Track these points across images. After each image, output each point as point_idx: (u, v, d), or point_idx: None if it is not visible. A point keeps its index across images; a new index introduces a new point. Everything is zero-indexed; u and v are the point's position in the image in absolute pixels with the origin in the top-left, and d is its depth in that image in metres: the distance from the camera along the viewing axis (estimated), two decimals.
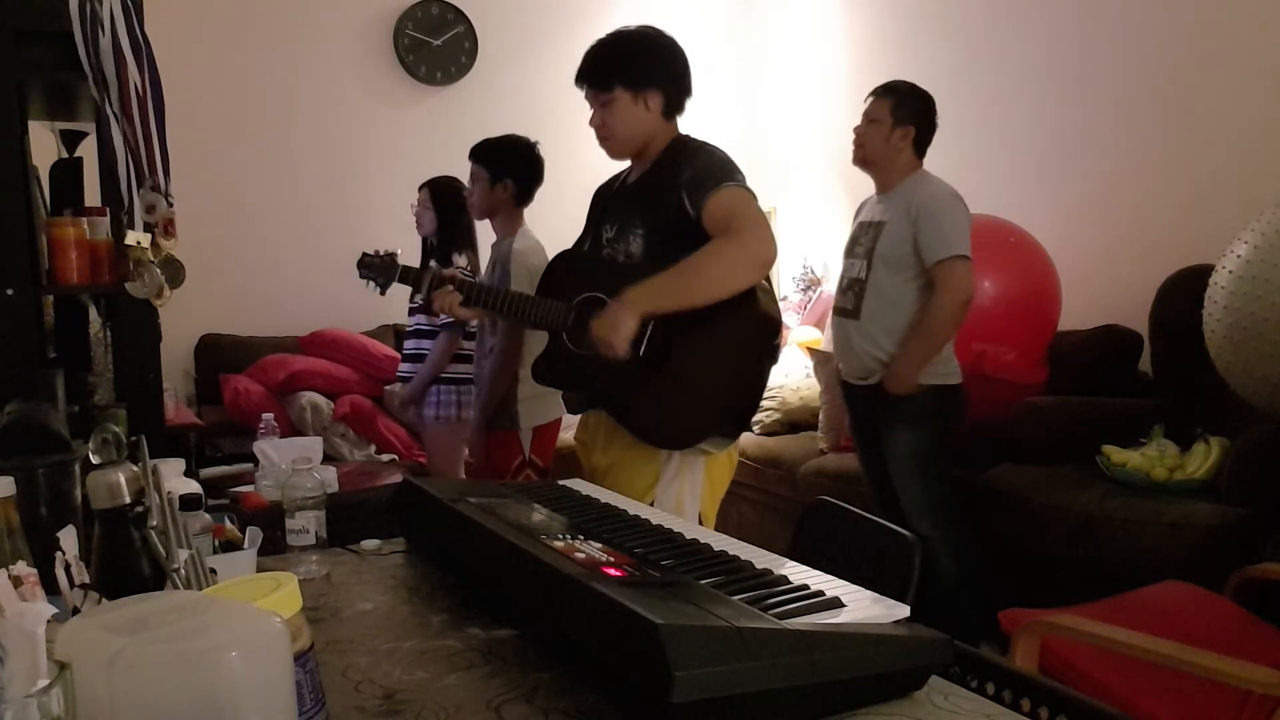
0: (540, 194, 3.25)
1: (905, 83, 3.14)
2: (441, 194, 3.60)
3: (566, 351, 2.22)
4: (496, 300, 2.36)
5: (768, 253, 2.04)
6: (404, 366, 3.77)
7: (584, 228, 2.40)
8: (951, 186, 3.04)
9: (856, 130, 3.13)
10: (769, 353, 2.16)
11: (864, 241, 3.11)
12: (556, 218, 3.28)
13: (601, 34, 2.23)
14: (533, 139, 3.22)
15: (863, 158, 3.13)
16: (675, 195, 2.08)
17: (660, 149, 2.21)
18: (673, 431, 2.13)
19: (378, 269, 2.62)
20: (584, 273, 2.27)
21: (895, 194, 3.07)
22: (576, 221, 2.42)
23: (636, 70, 2.16)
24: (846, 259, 3.21)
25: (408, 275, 2.60)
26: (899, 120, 3.05)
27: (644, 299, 2.03)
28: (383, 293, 2.65)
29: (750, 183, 2.14)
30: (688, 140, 2.23)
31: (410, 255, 3.27)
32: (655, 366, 2.11)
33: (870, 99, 3.13)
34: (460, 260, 3.53)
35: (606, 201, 2.34)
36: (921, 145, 3.09)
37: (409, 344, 3.74)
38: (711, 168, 2.09)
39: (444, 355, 3.54)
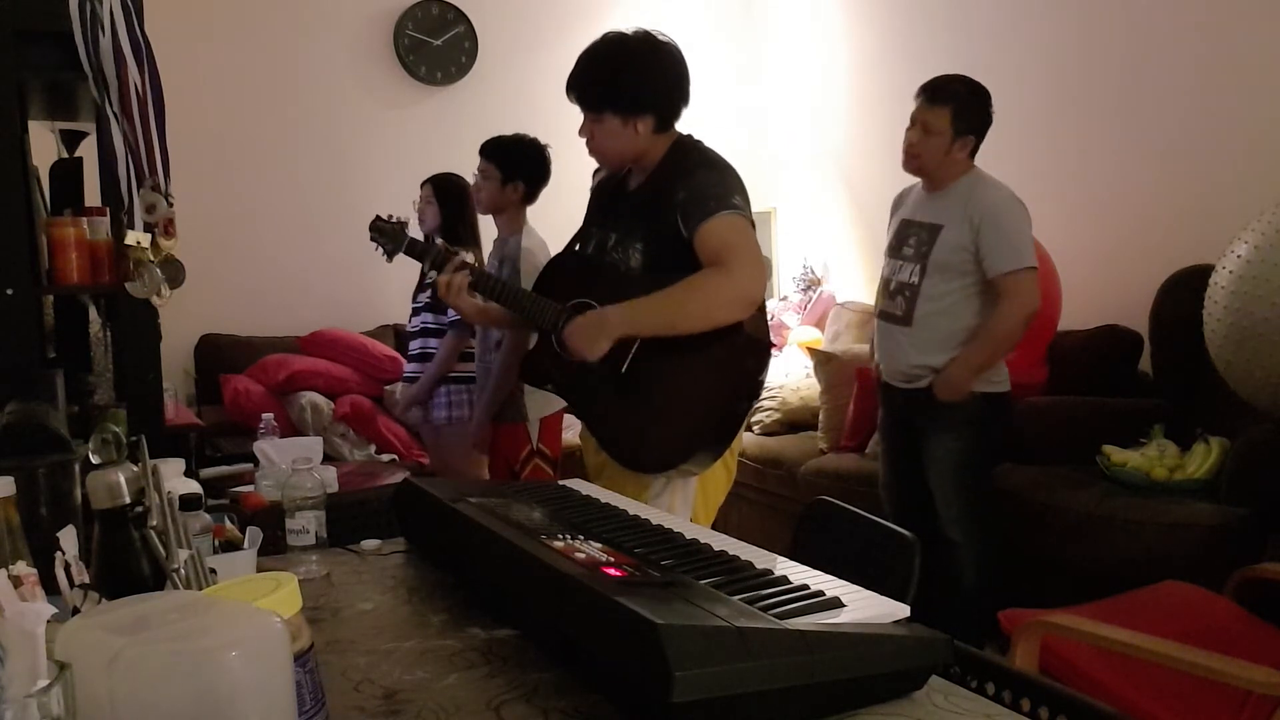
0: (543, 194, 3.25)
1: (961, 82, 2.91)
2: (445, 190, 3.56)
3: (554, 354, 2.19)
4: (500, 290, 2.33)
5: (756, 290, 2.01)
6: (410, 367, 3.69)
7: (582, 224, 2.36)
8: (1010, 189, 2.89)
9: (909, 138, 2.92)
10: (750, 390, 2.12)
11: (914, 243, 2.95)
12: (556, 216, 3.28)
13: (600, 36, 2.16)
14: (543, 141, 3.23)
15: (917, 168, 2.95)
16: (672, 214, 2.04)
17: (658, 157, 2.15)
18: (643, 456, 2.09)
19: (388, 235, 2.53)
20: (582, 277, 2.24)
21: (950, 194, 2.90)
22: (576, 221, 2.41)
23: (629, 96, 2.08)
24: (891, 259, 3.03)
25: (414, 247, 2.52)
26: (959, 132, 2.85)
27: (625, 321, 2.02)
28: (389, 259, 2.56)
29: (750, 183, 2.11)
30: (689, 149, 2.16)
31: None
32: (633, 388, 2.07)
33: (921, 101, 2.90)
34: (467, 257, 3.48)
35: (606, 201, 2.30)
36: (977, 149, 2.92)
37: (414, 344, 3.66)
38: (707, 191, 2.02)
39: (451, 354, 3.48)
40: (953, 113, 2.85)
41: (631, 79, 2.09)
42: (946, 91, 2.89)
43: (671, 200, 2.05)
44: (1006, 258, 2.79)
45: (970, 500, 2.94)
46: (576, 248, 2.34)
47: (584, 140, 2.19)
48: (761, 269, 2.03)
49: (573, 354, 2.07)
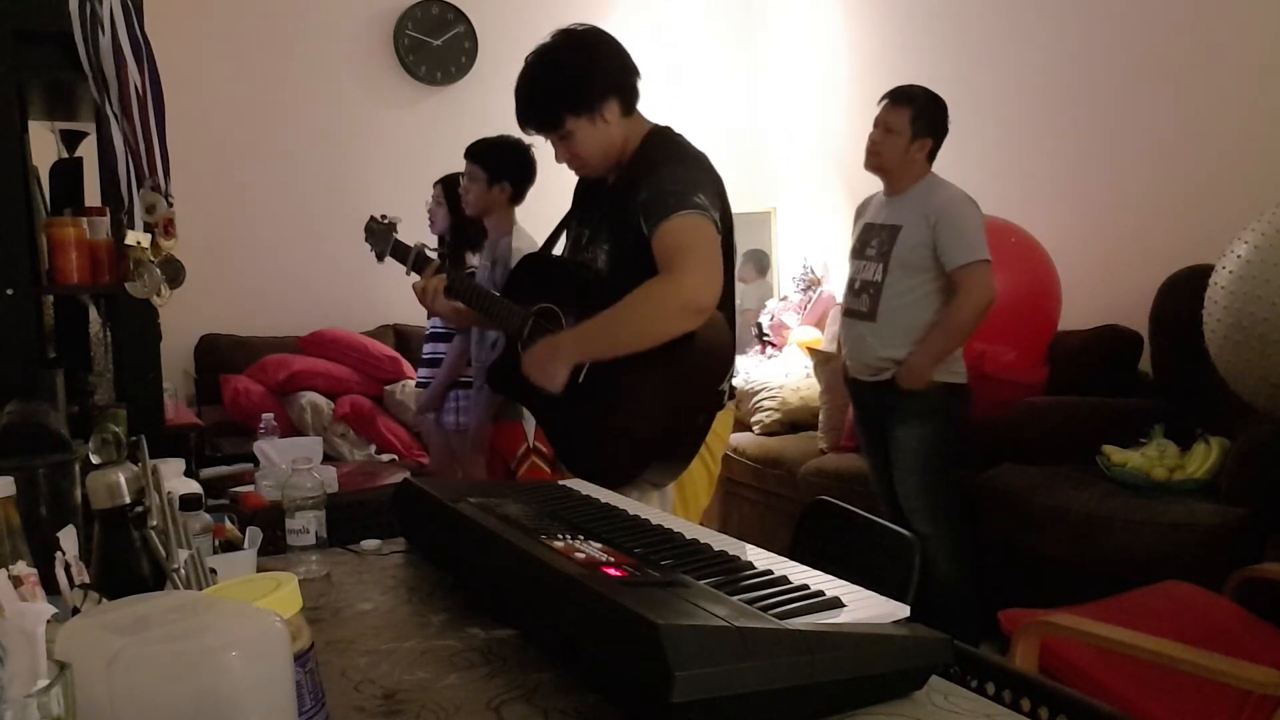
0: (534, 193, 3.25)
1: (921, 89, 3.12)
2: (456, 191, 3.49)
3: (519, 361, 2.13)
4: (470, 294, 2.29)
5: (704, 297, 1.89)
6: (422, 372, 3.65)
7: (562, 219, 2.30)
8: (962, 189, 3.07)
9: (872, 138, 3.12)
10: (708, 400, 2.03)
11: (876, 244, 3.13)
12: (550, 217, 3.28)
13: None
14: (527, 140, 3.22)
15: (877, 165, 3.14)
16: (635, 213, 1.95)
17: (634, 148, 2.07)
18: (598, 469, 1.98)
19: (377, 236, 2.50)
20: (551, 278, 2.20)
21: (908, 197, 3.08)
22: None
23: (581, 92, 2.01)
24: (855, 260, 3.22)
25: (398, 248, 2.46)
26: (918, 132, 3.05)
27: (575, 348, 1.97)
28: (379, 260, 2.52)
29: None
30: (660, 142, 2.08)
31: None
32: (589, 400, 2.01)
33: (885, 104, 3.11)
34: (474, 259, 3.45)
35: (585, 196, 2.25)
36: (934, 153, 3.11)
37: (426, 348, 3.62)
38: (666, 188, 1.93)
39: (459, 359, 3.43)
40: (912, 114, 3.06)
41: (574, 73, 2.03)
42: (907, 95, 3.11)
43: (635, 198, 1.96)
44: (961, 252, 2.96)
45: (934, 490, 3.07)
46: (560, 242, 2.30)
47: (565, 165, 2.12)
48: (713, 273, 1.91)
49: (532, 382, 2.01)
